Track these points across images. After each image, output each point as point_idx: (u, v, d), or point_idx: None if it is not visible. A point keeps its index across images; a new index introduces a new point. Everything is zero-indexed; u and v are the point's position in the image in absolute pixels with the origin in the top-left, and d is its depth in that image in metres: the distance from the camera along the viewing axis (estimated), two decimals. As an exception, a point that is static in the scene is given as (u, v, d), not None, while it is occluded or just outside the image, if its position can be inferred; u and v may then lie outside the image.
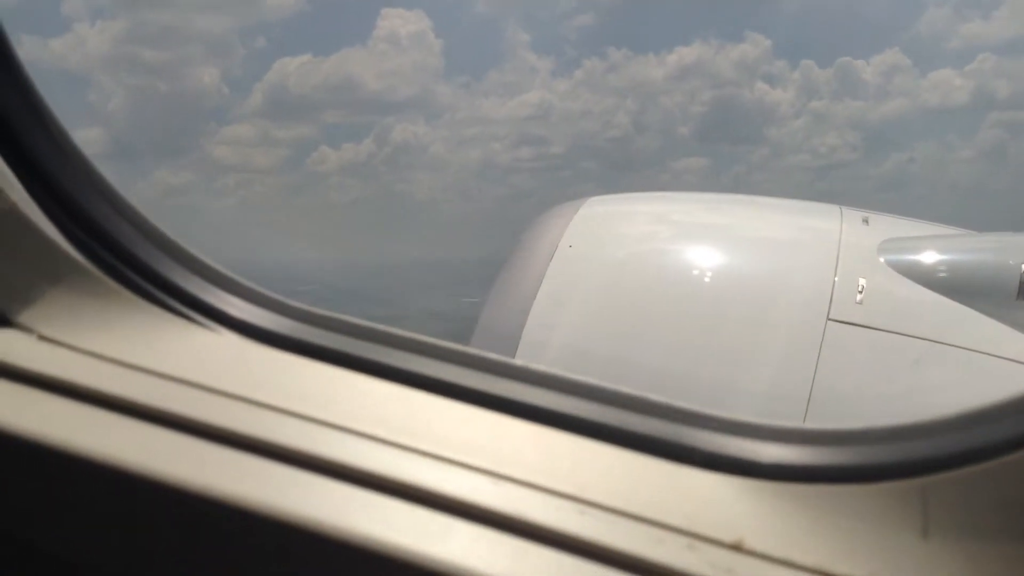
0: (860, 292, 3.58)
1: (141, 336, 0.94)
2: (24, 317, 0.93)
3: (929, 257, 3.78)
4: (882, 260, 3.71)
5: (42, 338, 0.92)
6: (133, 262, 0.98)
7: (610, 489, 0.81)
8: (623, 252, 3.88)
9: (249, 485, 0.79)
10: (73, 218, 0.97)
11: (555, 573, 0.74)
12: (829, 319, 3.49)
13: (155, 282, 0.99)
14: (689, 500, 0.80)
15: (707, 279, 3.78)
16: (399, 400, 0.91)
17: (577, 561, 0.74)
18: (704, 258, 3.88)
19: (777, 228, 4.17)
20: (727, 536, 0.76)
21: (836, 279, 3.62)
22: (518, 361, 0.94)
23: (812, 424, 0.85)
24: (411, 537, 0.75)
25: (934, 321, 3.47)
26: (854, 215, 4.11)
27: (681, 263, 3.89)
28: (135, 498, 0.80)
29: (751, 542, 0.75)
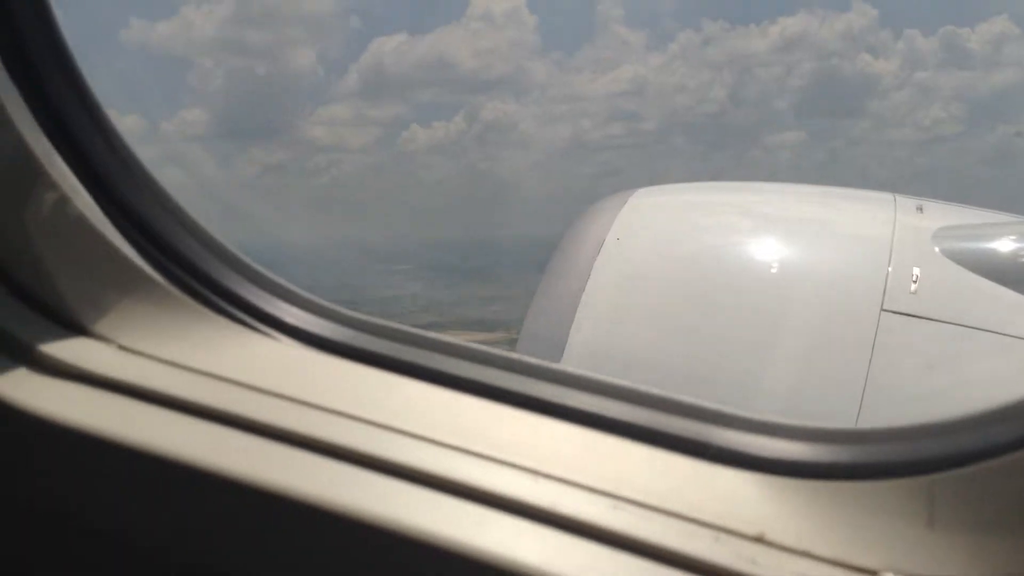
0: (914, 282, 3.54)
1: (209, 344, 1.03)
2: (102, 328, 1.02)
3: (986, 245, 3.73)
4: (937, 249, 3.66)
5: (121, 348, 1.01)
6: (200, 275, 1.07)
7: (642, 486, 0.86)
8: (671, 244, 3.89)
9: (308, 480, 0.86)
10: (145, 235, 1.06)
11: (591, 564, 0.80)
12: (883, 309, 3.45)
13: (220, 294, 1.07)
14: (715, 496, 0.85)
15: (758, 270, 3.77)
16: (446, 402, 0.97)
17: (611, 552, 0.80)
18: (755, 249, 3.87)
19: (830, 217, 4.14)
20: (750, 529, 0.81)
21: (890, 269, 3.58)
22: (555, 365, 1.00)
23: (829, 423, 0.90)
24: (457, 528, 0.82)
25: (991, 311, 3.42)
26: (908, 203, 4.06)
27: (732, 255, 3.87)
28: (207, 492, 0.88)
29: (772, 535, 0.81)
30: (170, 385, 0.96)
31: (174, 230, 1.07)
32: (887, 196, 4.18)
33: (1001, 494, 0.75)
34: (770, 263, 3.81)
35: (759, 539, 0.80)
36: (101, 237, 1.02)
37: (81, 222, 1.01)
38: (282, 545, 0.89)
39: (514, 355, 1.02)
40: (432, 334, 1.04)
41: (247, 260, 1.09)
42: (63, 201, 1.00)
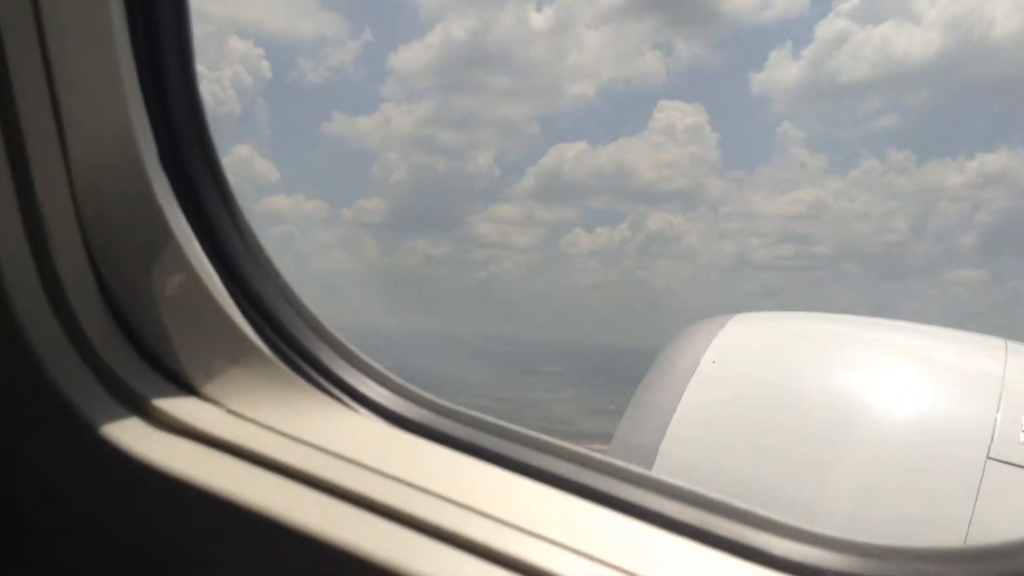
0: (1024, 431, 3.41)
1: (304, 414, 1.14)
2: (213, 391, 1.14)
3: (1103, 399, 3.56)
4: (1050, 400, 3.52)
5: (230, 412, 1.13)
6: (301, 350, 1.19)
7: None
8: (769, 371, 3.86)
9: (379, 543, 0.94)
10: (257, 310, 1.19)
11: None
12: (989, 458, 3.32)
13: (316, 367, 1.19)
14: None
15: (858, 406, 3.68)
16: (510, 484, 1.05)
17: None
18: (857, 385, 3.79)
19: (938, 358, 4.03)
20: None
21: (999, 416, 3.46)
22: (613, 460, 1.06)
23: (867, 538, 0.93)
24: None
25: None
26: (1021, 350, 3.94)
27: (831, 388, 3.80)
28: (294, 549, 0.97)
29: None
30: (271, 449, 1.07)
31: (281, 307, 1.20)
32: (999, 341, 4.06)
33: None
34: (871, 399, 3.72)
35: None
36: (220, 310, 1.15)
37: (205, 295, 1.15)
38: None
39: (583, 450, 1.09)
40: (500, 422, 1.12)
41: (341, 338, 1.21)
42: (192, 274, 1.14)
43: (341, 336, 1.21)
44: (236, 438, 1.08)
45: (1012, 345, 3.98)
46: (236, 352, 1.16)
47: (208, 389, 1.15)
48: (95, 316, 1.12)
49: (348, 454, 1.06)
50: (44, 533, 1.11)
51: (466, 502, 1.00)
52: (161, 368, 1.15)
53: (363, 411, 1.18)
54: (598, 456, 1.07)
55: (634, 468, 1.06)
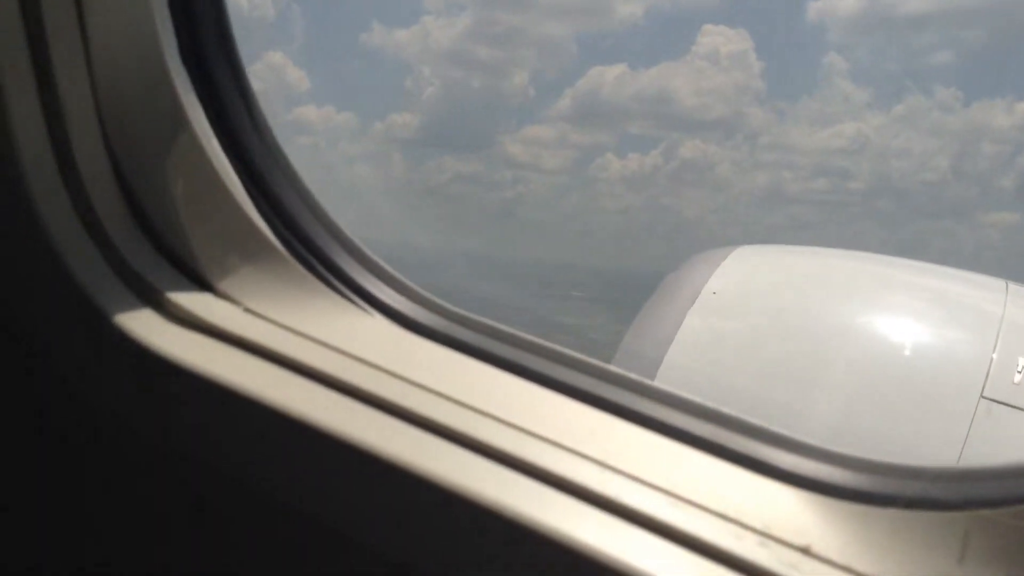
0: (1019, 372, 3.44)
1: (320, 316, 1.15)
2: (227, 288, 1.14)
3: (1100, 343, 3.58)
4: (1047, 343, 3.55)
5: (247, 311, 1.13)
6: (317, 252, 1.19)
7: (699, 489, 0.92)
8: (768, 304, 3.88)
9: (388, 441, 0.96)
10: (275, 212, 1.18)
11: (646, 551, 0.86)
12: (983, 396, 3.36)
13: (334, 271, 1.19)
14: (768, 507, 0.91)
15: (858, 342, 3.71)
16: (521, 391, 1.06)
17: (665, 543, 0.87)
18: (856, 320, 3.81)
19: (938, 297, 4.05)
20: (797, 540, 0.86)
21: (994, 356, 3.48)
22: (630, 374, 1.06)
23: (879, 457, 0.94)
24: (524, 503, 0.90)
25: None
26: (1021, 291, 3.95)
27: (830, 323, 3.82)
28: (309, 443, 0.98)
29: (817, 548, 0.85)
30: (286, 347, 1.07)
31: (299, 208, 1.19)
32: (999, 283, 4.07)
33: None
34: (869, 334, 3.74)
35: (804, 550, 0.85)
36: (238, 207, 1.15)
37: (223, 192, 1.14)
38: (368, 497, 0.98)
39: (594, 360, 1.09)
40: (512, 330, 1.13)
41: (358, 242, 1.21)
42: (210, 171, 1.13)
43: (358, 240, 1.21)
44: (251, 335, 1.08)
45: (1013, 287, 3.99)
46: (252, 251, 1.16)
47: (224, 286, 1.15)
48: (113, 210, 1.12)
49: (362, 355, 1.07)
50: (57, 421, 1.12)
51: (477, 405, 1.01)
52: (178, 263, 1.15)
53: (377, 315, 1.18)
54: (612, 368, 1.08)
55: (647, 381, 1.07)
